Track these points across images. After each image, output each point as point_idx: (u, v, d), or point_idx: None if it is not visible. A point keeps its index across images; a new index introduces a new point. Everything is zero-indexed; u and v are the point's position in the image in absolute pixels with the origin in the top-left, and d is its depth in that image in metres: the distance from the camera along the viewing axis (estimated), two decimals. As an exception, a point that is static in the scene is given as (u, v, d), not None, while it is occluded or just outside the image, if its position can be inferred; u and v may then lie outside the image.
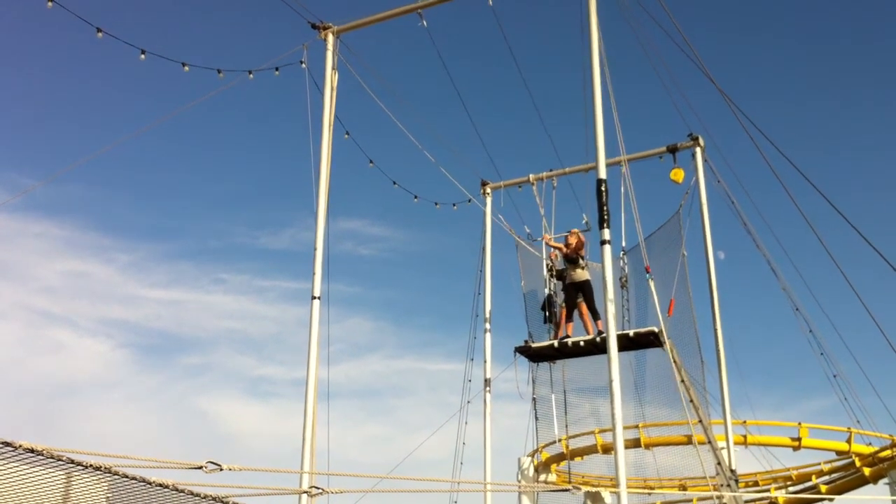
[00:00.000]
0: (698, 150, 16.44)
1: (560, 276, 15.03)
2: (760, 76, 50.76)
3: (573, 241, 14.65)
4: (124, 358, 44.03)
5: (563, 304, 14.71)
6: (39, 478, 4.91)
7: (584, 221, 14.96)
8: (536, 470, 20.09)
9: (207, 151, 49.19)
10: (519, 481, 19.44)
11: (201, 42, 45.45)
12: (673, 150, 16.19)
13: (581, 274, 14.59)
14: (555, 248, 15.06)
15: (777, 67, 51.96)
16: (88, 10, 11.49)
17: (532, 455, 19.67)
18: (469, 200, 17.38)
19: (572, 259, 14.62)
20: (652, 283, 13.86)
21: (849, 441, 18.28)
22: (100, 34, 11.61)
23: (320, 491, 5.94)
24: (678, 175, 15.86)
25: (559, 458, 19.71)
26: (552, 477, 20.55)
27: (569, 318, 14.59)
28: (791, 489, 19.53)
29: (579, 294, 14.59)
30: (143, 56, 12.14)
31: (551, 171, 16.75)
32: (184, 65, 12.57)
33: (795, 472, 19.57)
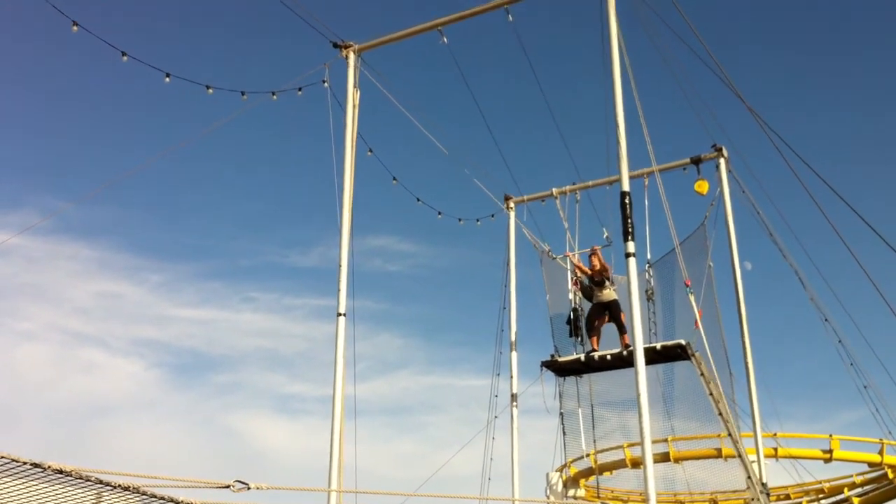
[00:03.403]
0: (722, 161, 16.32)
1: (587, 294, 14.93)
2: (783, 84, 50.50)
3: (596, 262, 14.57)
4: (156, 377, 44.42)
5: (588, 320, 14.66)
6: (70, 498, 4.97)
7: (604, 237, 14.90)
8: (565, 485, 19.95)
9: (235, 172, 49.76)
10: (547, 497, 19.33)
11: (224, 64, 45.97)
12: (697, 161, 16.07)
13: (608, 294, 14.51)
14: (581, 270, 14.93)
15: (799, 75, 51.67)
16: (113, 34, 11.67)
17: (560, 470, 19.54)
18: (492, 216, 17.43)
19: (598, 281, 14.55)
20: (692, 297, 13.79)
21: (881, 452, 18.04)
22: (125, 58, 11.77)
23: (348, 508, 5.93)
24: (702, 187, 15.77)
25: (588, 472, 19.58)
26: (581, 492, 20.41)
27: (594, 333, 14.53)
28: (823, 502, 19.29)
29: (605, 312, 14.53)
30: (167, 79, 12.31)
31: (574, 184, 16.71)
32: (208, 87, 12.70)
33: (827, 485, 19.32)
